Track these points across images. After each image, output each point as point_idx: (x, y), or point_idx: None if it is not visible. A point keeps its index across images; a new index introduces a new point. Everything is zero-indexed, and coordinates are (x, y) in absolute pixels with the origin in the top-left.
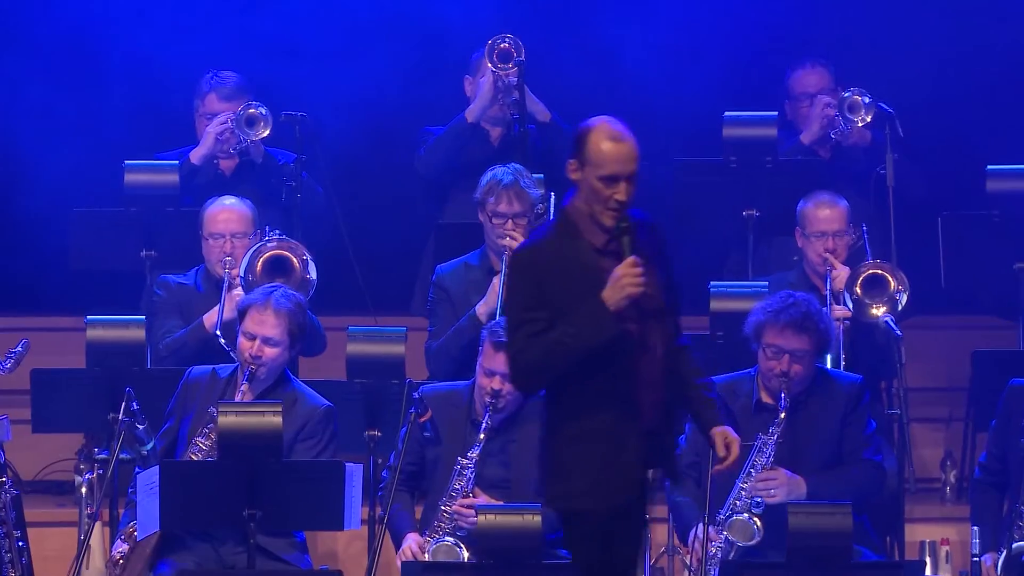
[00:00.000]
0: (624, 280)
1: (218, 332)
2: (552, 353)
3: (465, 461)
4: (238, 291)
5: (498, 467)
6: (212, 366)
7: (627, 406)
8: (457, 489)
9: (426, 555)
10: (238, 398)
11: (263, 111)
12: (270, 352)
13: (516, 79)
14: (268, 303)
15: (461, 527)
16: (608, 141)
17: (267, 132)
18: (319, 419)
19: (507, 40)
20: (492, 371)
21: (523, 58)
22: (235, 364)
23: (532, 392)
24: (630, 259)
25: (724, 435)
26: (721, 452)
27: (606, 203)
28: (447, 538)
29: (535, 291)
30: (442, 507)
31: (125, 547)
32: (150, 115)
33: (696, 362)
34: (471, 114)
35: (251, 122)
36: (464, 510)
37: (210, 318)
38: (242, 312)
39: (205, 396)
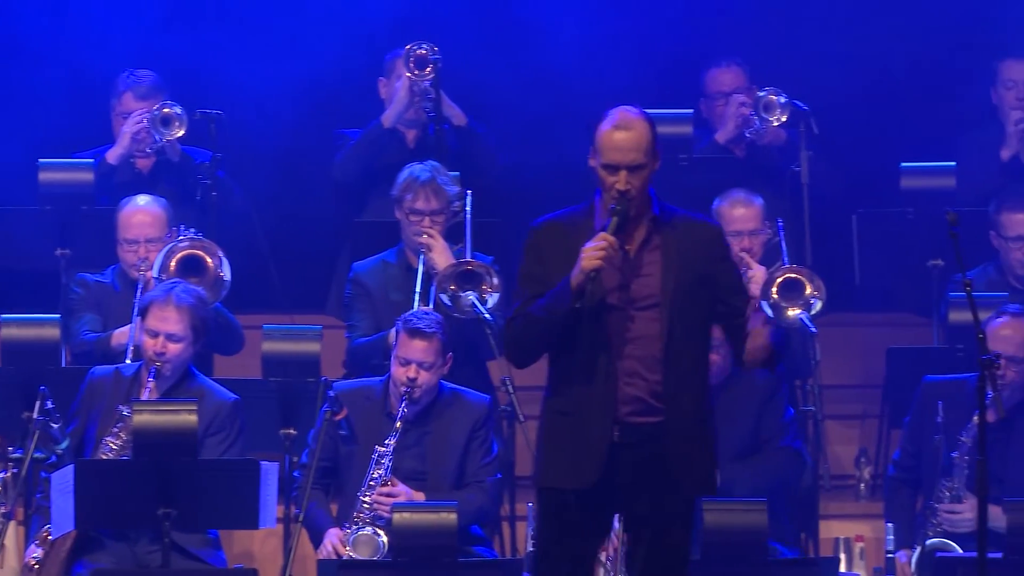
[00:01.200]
0: (584, 253)
1: (128, 357)
2: (527, 325)
3: (382, 449)
4: None
5: (414, 459)
6: (115, 365)
7: (603, 392)
8: (376, 478)
9: (347, 547)
10: (145, 396)
11: (178, 111)
12: (174, 348)
13: (432, 83)
14: (169, 299)
15: (381, 516)
16: (611, 129)
17: (182, 132)
18: (227, 413)
19: (423, 47)
20: (407, 359)
21: (439, 63)
22: (139, 362)
23: (521, 365)
24: (600, 234)
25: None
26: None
27: (609, 191)
28: (367, 528)
29: (537, 267)
30: (361, 497)
31: (40, 552)
32: (67, 113)
33: None
34: (387, 119)
35: (166, 122)
36: (383, 499)
37: (120, 337)
38: (143, 310)
39: (110, 396)
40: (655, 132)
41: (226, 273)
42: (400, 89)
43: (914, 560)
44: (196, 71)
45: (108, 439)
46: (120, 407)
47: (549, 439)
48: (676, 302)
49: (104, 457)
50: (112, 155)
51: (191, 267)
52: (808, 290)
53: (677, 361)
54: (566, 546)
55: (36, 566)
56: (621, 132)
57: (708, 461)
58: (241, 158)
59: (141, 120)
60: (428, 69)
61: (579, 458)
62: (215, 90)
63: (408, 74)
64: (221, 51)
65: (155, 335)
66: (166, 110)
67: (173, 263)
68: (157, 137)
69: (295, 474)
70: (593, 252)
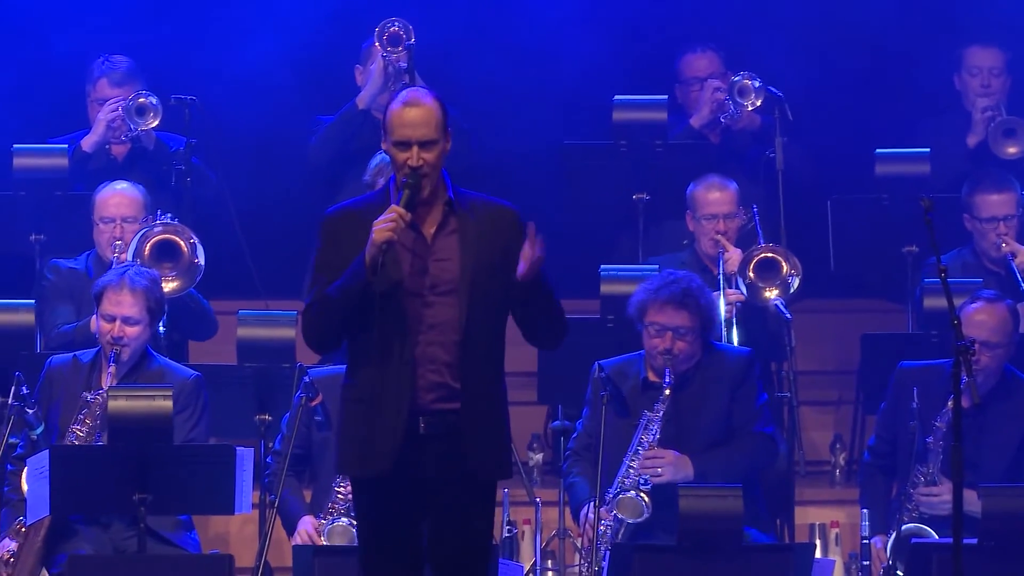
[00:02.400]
0: (375, 225)
1: None
2: (322, 307)
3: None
4: None
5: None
6: (73, 353)
7: (400, 379)
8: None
9: (322, 537)
10: (106, 382)
11: (153, 100)
12: (131, 331)
13: (406, 63)
14: (123, 282)
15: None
16: (400, 107)
17: (156, 122)
18: (190, 391)
19: (396, 24)
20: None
21: (413, 42)
22: (96, 348)
23: (320, 349)
24: (391, 207)
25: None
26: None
27: (401, 171)
28: (342, 519)
29: (332, 254)
30: (335, 488)
31: (14, 545)
32: (40, 99)
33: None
34: (362, 101)
35: (141, 111)
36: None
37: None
38: (98, 295)
39: (70, 383)
40: (447, 112)
41: (200, 258)
42: (374, 70)
43: (889, 545)
44: (171, 55)
45: (74, 427)
46: (84, 394)
47: (346, 427)
48: (474, 288)
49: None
50: (87, 142)
51: (165, 252)
52: (785, 269)
53: (474, 347)
54: (381, 532)
55: (11, 559)
56: (411, 108)
57: (503, 445)
58: (216, 144)
59: (116, 109)
60: (400, 48)
61: (374, 445)
62: (190, 75)
63: (382, 51)
64: (196, 35)
65: (112, 319)
66: (141, 100)
67: (147, 248)
68: (132, 126)
69: (267, 460)
70: (383, 224)
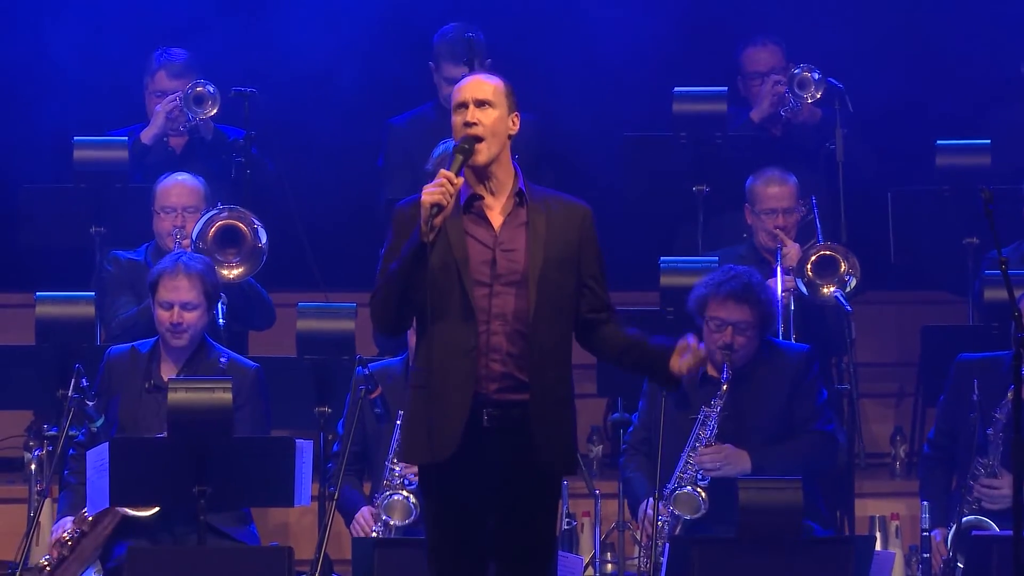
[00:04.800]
0: (424, 189)
1: None
2: (385, 283)
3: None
4: None
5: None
6: (131, 343)
7: (464, 367)
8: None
9: (381, 514)
10: (169, 375)
11: (211, 89)
12: (190, 317)
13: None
14: (178, 268)
15: (412, 481)
16: (463, 83)
17: (215, 110)
18: (251, 382)
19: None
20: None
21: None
22: (154, 338)
23: (385, 332)
24: (441, 171)
25: (684, 344)
26: (684, 353)
27: (456, 134)
28: (398, 493)
29: (401, 243)
30: (389, 464)
31: (72, 526)
32: (99, 91)
33: (623, 325)
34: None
35: (199, 100)
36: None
37: None
38: (153, 284)
39: (129, 374)
40: (513, 91)
41: (263, 242)
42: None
43: (950, 538)
44: (231, 49)
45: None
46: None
47: (410, 414)
48: (542, 282)
49: None
50: (146, 135)
51: (228, 237)
52: (843, 268)
53: (542, 340)
54: (447, 522)
55: (68, 542)
56: (471, 79)
57: (570, 439)
58: (275, 136)
59: (175, 100)
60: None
61: (436, 433)
62: (250, 69)
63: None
64: (257, 29)
65: (169, 306)
66: (199, 88)
67: (212, 232)
68: (190, 116)
69: (329, 465)
70: (432, 187)
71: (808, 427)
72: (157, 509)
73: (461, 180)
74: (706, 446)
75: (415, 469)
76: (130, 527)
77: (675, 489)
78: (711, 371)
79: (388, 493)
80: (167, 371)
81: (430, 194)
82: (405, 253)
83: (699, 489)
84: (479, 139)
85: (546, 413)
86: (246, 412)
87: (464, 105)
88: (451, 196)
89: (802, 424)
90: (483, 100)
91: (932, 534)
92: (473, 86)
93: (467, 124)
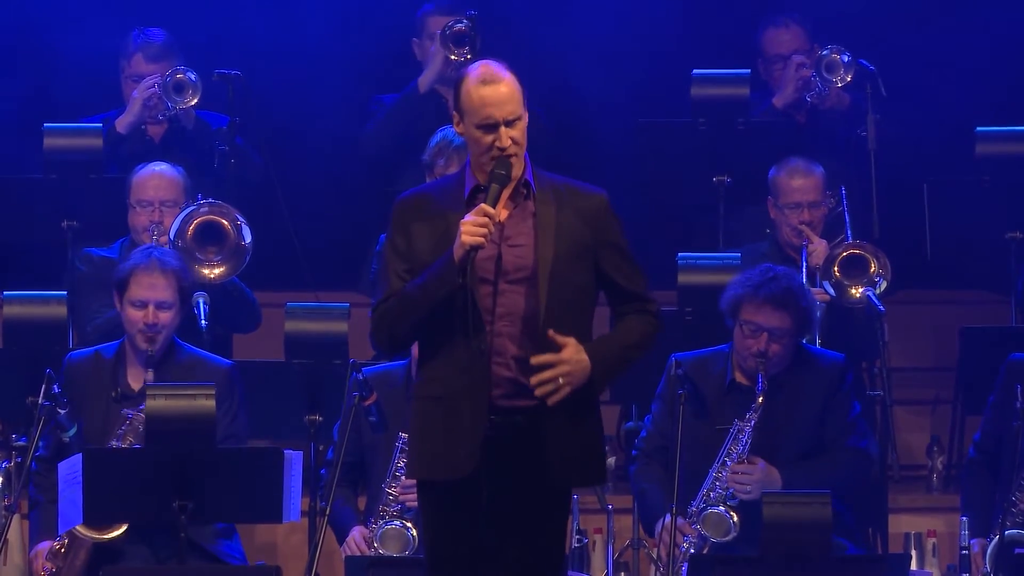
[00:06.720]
0: (464, 227)
1: None
2: (401, 305)
3: (407, 436)
4: None
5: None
6: (95, 347)
7: (475, 374)
8: (400, 468)
9: (375, 543)
10: (147, 377)
11: (192, 76)
12: (164, 317)
13: (470, 35)
14: (153, 263)
15: (409, 507)
16: (479, 85)
17: (196, 99)
18: (225, 381)
19: (462, 23)
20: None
21: (478, 40)
22: (119, 341)
23: (387, 351)
24: (480, 207)
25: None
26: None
27: (488, 153)
28: (394, 522)
29: (404, 241)
30: (386, 489)
31: (50, 566)
32: (72, 75)
33: (633, 323)
34: (423, 84)
35: (179, 88)
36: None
37: None
38: (123, 281)
39: (93, 382)
40: (522, 84)
41: (247, 240)
42: (434, 57)
43: (989, 550)
44: (212, 28)
45: (113, 443)
46: (125, 411)
47: (421, 427)
48: (553, 278)
49: None
50: (122, 123)
51: (209, 235)
52: (873, 268)
53: (554, 343)
54: (448, 538)
55: (62, 551)
56: (492, 86)
57: (591, 449)
58: (262, 123)
59: (152, 86)
60: (466, 48)
61: (453, 447)
62: (232, 49)
63: (445, 52)
64: (240, 5)
65: (143, 305)
66: (179, 76)
67: (191, 229)
68: (169, 104)
69: (321, 472)
70: (473, 228)
71: (840, 443)
72: (125, 528)
73: (506, 213)
74: (737, 462)
75: (413, 496)
76: (112, 551)
77: (704, 508)
78: (740, 378)
79: (384, 521)
80: (135, 378)
81: (471, 235)
82: (432, 285)
83: (731, 510)
84: (513, 155)
85: (558, 421)
86: (222, 413)
87: (495, 127)
88: (491, 234)
89: (833, 439)
90: (513, 118)
91: (970, 543)
92: (502, 103)
93: (501, 149)
